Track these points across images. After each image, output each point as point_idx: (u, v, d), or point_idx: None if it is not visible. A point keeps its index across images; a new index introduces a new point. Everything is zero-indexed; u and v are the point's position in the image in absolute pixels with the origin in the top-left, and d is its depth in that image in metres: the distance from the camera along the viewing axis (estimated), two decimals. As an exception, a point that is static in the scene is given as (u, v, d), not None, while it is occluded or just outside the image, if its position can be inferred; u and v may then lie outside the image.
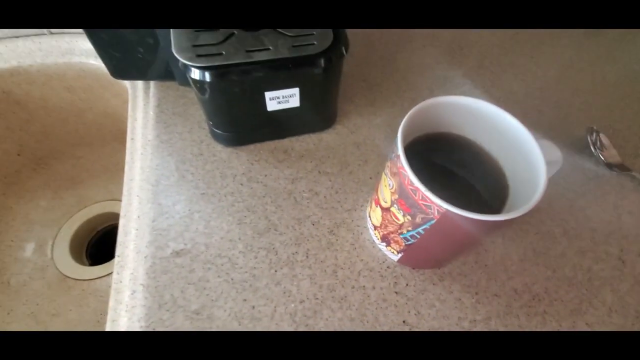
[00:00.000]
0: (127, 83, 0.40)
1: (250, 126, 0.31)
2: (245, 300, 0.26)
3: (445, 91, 0.40)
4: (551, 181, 0.35)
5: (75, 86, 0.47)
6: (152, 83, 0.37)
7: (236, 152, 0.33)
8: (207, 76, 0.26)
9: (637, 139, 0.38)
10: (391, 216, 0.24)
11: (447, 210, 0.19)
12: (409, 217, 0.22)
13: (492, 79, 0.41)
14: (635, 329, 0.27)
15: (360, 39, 0.43)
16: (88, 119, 0.51)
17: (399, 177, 0.21)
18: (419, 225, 0.22)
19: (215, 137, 0.33)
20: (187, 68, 0.26)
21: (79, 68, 0.45)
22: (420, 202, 0.20)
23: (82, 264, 0.51)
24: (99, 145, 0.56)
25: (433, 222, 0.20)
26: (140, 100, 0.38)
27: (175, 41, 0.26)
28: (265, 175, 0.32)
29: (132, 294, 0.27)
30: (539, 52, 0.45)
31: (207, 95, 0.28)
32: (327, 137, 0.35)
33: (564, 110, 0.40)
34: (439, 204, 0.19)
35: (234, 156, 0.33)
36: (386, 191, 0.24)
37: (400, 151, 0.20)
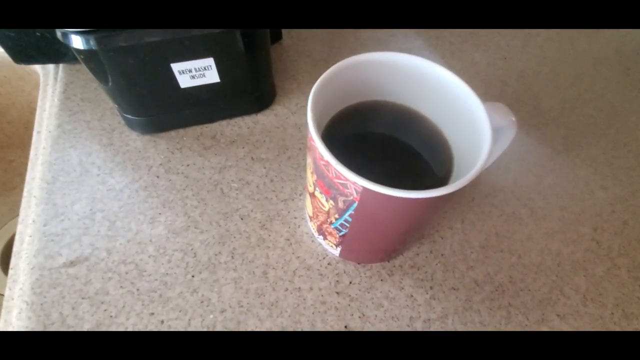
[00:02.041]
0: (38, 69, 0.35)
1: (165, 108, 0.27)
2: (152, 314, 0.21)
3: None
4: (517, 157, 0.32)
5: (-11, 79, 0.41)
6: (61, 66, 0.32)
7: (154, 140, 0.28)
8: (90, 43, 0.21)
9: (609, 108, 0.35)
10: (317, 203, 0.20)
11: (365, 189, 0.15)
12: (332, 202, 0.18)
13: (452, 50, 0.38)
14: (615, 319, 0.24)
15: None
16: (13, 116, 0.46)
17: (313, 151, 0.17)
18: (344, 211, 0.18)
19: (129, 123, 0.28)
20: (66, 37, 0.21)
21: (-10, 58, 0.40)
22: (336, 180, 0.16)
23: (14, 279, 0.45)
24: (31, 146, 0.50)
25: (356, 205, 0.16)
26: (49, 88, 0.33)
27: (50, 3, 0.21)
28: (188, 165, 0.27)
29: (19, 313, 0.22)
30: (503, 21, 0.42)
31: (98, 71, 0.23)
32: (263, 119, 0.30)
33: (529, 81, 0.36)
34: (353, 181, 0.15)
35: (150, 145, 0.28)
36: (308, 172, 0.19)
37: (310, 118, 0.16)
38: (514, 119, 0.20)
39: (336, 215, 0.19)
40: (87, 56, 0.22)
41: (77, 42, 0.21)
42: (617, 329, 0.24)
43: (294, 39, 0.36)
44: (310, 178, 0.19)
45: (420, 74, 0.19)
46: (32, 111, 0.47)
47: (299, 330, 0.22)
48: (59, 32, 0.21)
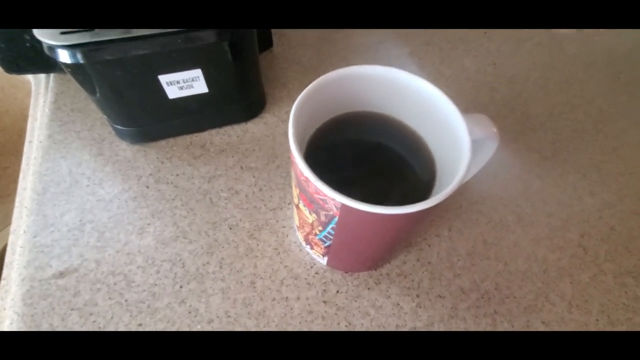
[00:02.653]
0: (30, 78, 0.35)
1: (154, 119, 0.27)
2: (140, 324, 0.22)
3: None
4: (505, 163, 0.32)
5: (-18, 87, 0.42)
6: (52, 76, 0.33)
7: (144, 149, 0.28)
8: (77, 57, 0.21)
9: (597, 113, 0.35)
10: (302, 215, 0.20)
11: (343, 205, 0.15)
12: (314, 215, 0.18)
13: (441, 56, 0.38)
14: (600, 325, 0.24)
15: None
16: (6, 123, 0.46)
17: (294, 166, 0.17)
18: (327, 224, 0.18)
19: (119, 134, 0.28)
20: (52, 50, 0.21)
21: (-18, 66, 0.40)
22: (316, 195, 0.16)
23: (9, 285, 0.46)
24: (25, 153, 0.50)
25: (336, 219, 0.16)
26: (41, 97, 0.33)
27: (36, 18, 0.22)
28: (177, 175, 0.28)
29: (10, 324, 0.22)
30: (493, 26, 0.42)
31: (86, 83, 0.23)
32: (253, 127, 0.31)
33: (518, 86, 0.36)
34: (332, 197, 0.15)
35: (140, 155, 0.28)
36: (293, 185, 0.20)
37: (291, 134, 0.16)
38: (495, 130, 0.20)
39: (320, 228, 0.19)
40: (75, 69, 0.22)
41: (64, 56, 0.21)
42: (602, 335, 0.24)
43: (284, 46, 0.37)
44: (294, 191, 0.19)
45: (402, 87, 0.20)
46: (25, 118, 0.47)
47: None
48: (46, 46, 0.22)
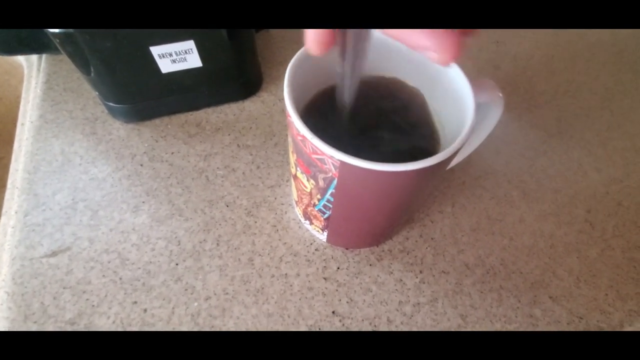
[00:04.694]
0: (22, 61, 0.34)
1: (148, 95, 0.26)
2: (135, 302, 0.21)
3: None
4: (509, 139, 0.31)
5: (-26, 74, 0.41)
6: (44, 57, 0.32)
7: (138, 128, 0.28)
8: (66, 27, 0.21)
9: (603, 90, 0.35)
10: (300, 184, 0.19)
11: (342, 163, 0.14)
12: (313, 182, 0.17)
13: (443, 35, 0.37)
14: (609, 299, 0.24)
15: None
16: (0, 111, 0.45)
17: (290, 128, 0.16)
18: (325, 191, 0.17)
19: (112, 112, 0.27)
20: (40, 19, 0.21)
21: (-26, 52, 0.39)
22: (313, 156, 0.15)
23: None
24: (21, 143, 0.49)
25: (335, 182, 0.16)
26: (33, 79, 0.32)
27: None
28: (172, 153, 0.27)
29: (0, 305, 0.22)
30: (495, 6, 0.41)
31: (76, 56, 0.22)
32: (250, 105, 0.30)
33: (522, 64, 0.36)
34: (330, 155, 0.14)
35: (134, 133, 0.27)
36: (290, 152, 0.19)
37: (286, 92, 0.15)
38: (500, 94, 0.19)
39: (318, 196, 0.18)
40: (63, 39, 0.21)
41: (51, 25, 0.21)
42: (611, 310, 0.23)
43: (282, 25, 0.36)
44: (292, 158, 0.18)
45: (406, 49, 0.19)
46: (19, 106, 0.46)
47: (286, 316, 0.21)
48: (33, 16, 0.21)
